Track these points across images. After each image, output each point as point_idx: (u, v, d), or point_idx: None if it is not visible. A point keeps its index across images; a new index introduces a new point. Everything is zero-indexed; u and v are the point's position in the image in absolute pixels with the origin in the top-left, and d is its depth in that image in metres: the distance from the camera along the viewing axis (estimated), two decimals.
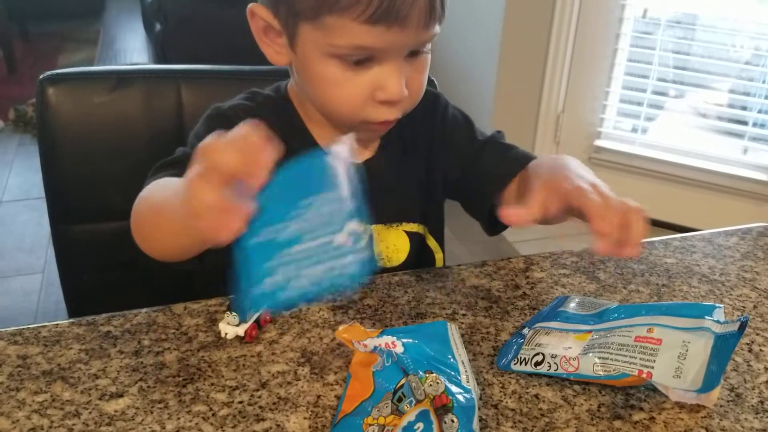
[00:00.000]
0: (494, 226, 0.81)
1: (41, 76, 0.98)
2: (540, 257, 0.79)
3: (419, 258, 0.84)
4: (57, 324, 0.67)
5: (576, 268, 0.78)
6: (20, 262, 2.33)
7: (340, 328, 0.62)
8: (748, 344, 0.67)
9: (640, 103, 2.55)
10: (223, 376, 0.61)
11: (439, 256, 0.88)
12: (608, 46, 2.50)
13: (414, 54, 0.71)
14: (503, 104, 2.70)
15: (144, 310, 0.69)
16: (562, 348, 0.61)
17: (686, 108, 2.55)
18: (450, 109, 0.87)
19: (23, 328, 0.66)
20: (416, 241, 0.84)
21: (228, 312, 0.64)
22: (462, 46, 2.93)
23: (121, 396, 0.59)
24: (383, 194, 0.81)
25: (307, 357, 0.63)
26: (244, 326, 0.64)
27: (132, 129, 0.99)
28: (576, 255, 0.80)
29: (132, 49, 4.33)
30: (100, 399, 0.58)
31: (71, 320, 0.67)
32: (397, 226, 0.83)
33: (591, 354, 0.59)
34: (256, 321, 0.66)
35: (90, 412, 0.57)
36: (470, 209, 0.86)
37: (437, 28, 0.70)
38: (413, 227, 0.84)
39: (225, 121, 0.81)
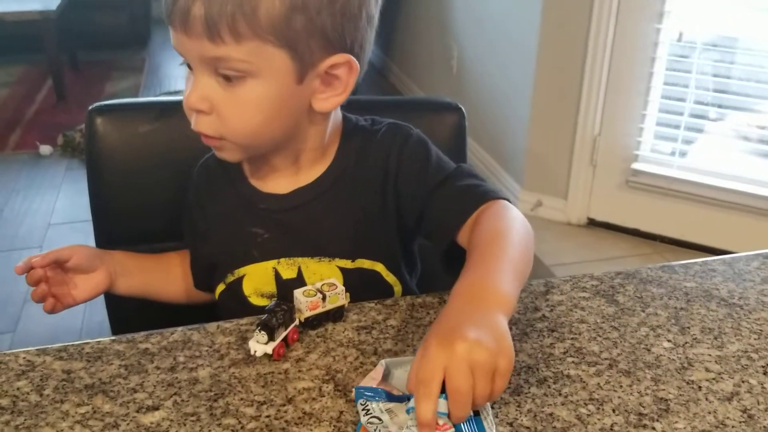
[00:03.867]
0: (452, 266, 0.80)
1: (90, 107, 1.05)
2: (560, 280, 0.81)
3: (376, 294, 0.82)
4: (99, 341, 0.71)
5: (596, 292, 0.80)
6: None
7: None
8: (763, 366, 0.68)
9: (677, 126, 2.54)
10: (251, 392, 0.64)
11: (397, 288, 0.87)
12: (644, 69, 2.51)
13: (227, 77, 0.72)
14: (539, 127, 2.71)
15: (180, 328, 0.73)
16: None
17: (725, 131, 2.53)
18: (410, 145, 0.85)
19: (68, 345, 0.71)
20: (365, 276, 0.84)
21: (257, 331, 0.68)
22: (497, 69, 2.96)
23: (157, 409, 0.62)
24: (312, 228, 0.84)
25: (331, 375, 0.66)
26: (272, 344, 0.67)
27: (174, 157, 1.04)
28: (596, 278, 0.82)
29: (176, 75, 4.46)
30: (137, 411, 0.62)
31: (112, 338, 0.72)
32: (330, 260, 0.84)
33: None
34: (284, 339, 0.69)
35: (128, 424, 0.61)
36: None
37: (229, 50, 0.69)
38: (350, 263, 0.84)
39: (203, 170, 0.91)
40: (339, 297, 0.73)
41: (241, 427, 0.60)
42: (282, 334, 0.68)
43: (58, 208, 2.92)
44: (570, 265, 2.54)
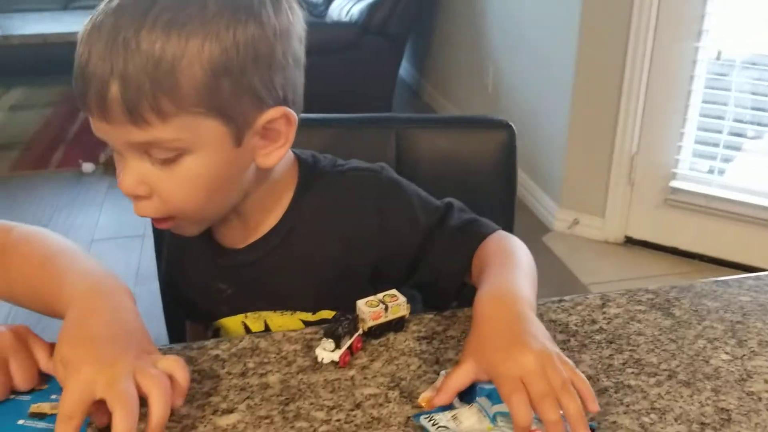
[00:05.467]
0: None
1: None
2: (616, 294, 0.83)
3: None
4: (171, 347, 0.74)
5: (652, 305, 0.81)
6: None
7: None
8: None
9: (716, 144, 2.53)
10: (320, 397, 0.67)
11: None
12: (682, 88, 2.51)
13: (160, 160, 0.68)
14: (576, 146, 2.72)
15: (247, 336, 0.76)
16: (477, 422, 0.61)
17: (764, 148, 2.51)
18: (387, 193, 0.82)
19: None
20: None
21: (324, 339, 0.70)
22: (533, 87, 2.98)
23: (231, 412, 0.65)
24: (269, 282, 0.82)
25: (396, 382, 0.69)
26: (339, 352, 0.70)
27: None
28: (651, 292, 0.83)
29: None
30: (213, 414, 0.65)
31: (184, 344, 0.75)
32: (291, 314, 0.84)
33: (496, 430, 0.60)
34: (349, 348, 0.71)
35: (205, 426, 0.64)
36: (430, 298, 0.85)
37: (156, 132, 0.65)
38: (311, 316, 0.83)
39: None
40: (400, 308, 0.75)
41: (314, 430, 0.63)
42: (347, 343, 0.71)
43: (101, 225, 2.99)
44: (607, 284, 2.53)
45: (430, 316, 0.79)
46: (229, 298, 0.85)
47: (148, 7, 0.64)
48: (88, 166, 3.44)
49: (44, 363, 0.67)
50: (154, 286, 1.08)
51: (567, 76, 2.67)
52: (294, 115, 0.73)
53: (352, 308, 0.74)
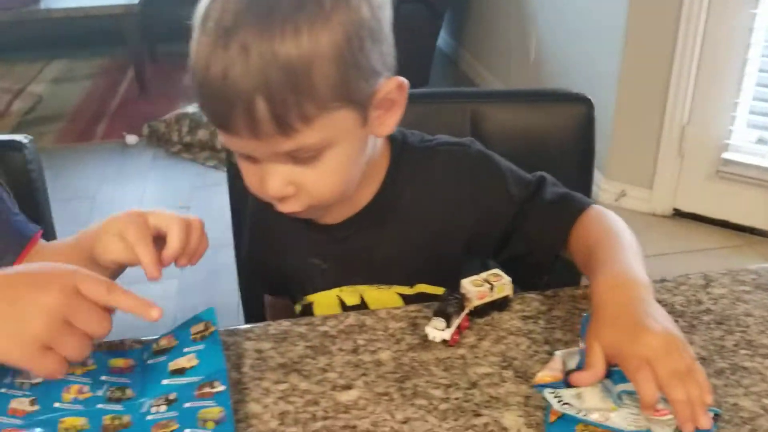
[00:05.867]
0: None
1: None
2: (718, 274, 0.82)
3: None
4: (281, 323, 0.76)
5: (756, 285, 0.80)
6: None
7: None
8: None
9: None
10: (435, 375, 0.68)
11: None
12: (737, 56, 2.44)
13: (303, 159, 0.70)
14: (624, 116, 2.67)
15: (352, 313, 0.77)
16: (600, 401, 0.62)
17: None
18: (479, 167, 0.83)
19: (254, 326, 0.75)
20: (426, 301, 0.81)
21: (434, 317, 0.71)
22: (580, 55, 2.93)
23: (350, 388, 0.66)
24: (366, 257, 0.83)
25: (508, 362, 0.69)
26: (449, 331, 0.70)
27: None
28: (753, 272, 0.82)
29: None
30: (332, 390, 0.66)
31: (292, 320, 0.76)
32: (388, 287, 0.85)
33: (622, 409, 0.60)
34: (457, 327, 0.72)
35: (326, 401, 0.65)
36: (526, 269, 0.85)
37: (303, 137, 0.67)
38: (408, 290, 0.84)
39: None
40: (505, 287, 0.75)
41: (434, 408, 0.64)
42: (456, 322, 0.71)
43: (147, 196, 3.02)
44: (655, 257, 2.51)
45: (533, 295, 0.79)
46: (323, 273, 0.86)
47: (268, 14, 0.64)
48: (131, 138, 3.47)
49: (104, 297, 0.61)
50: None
51: (616, 45, 2.61)
52: (406, 82, 0.74)
53: (452, 286, 0.74)
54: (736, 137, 2.56)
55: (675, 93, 2.56)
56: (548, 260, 0.82)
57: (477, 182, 0.82)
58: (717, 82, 2.51)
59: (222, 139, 0.71)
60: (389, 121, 0.76)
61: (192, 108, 3.47)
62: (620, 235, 0.75)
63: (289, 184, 0.71)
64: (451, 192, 0.82)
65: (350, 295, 0.86)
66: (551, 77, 3.17)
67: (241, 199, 1.13)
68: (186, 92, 4.08)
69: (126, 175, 3.22)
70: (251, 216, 0.94)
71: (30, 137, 1.12)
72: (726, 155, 2.57)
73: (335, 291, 0.87)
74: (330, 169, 0.72)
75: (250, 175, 0.75)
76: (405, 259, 0.84)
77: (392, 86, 0.73)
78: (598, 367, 0.61)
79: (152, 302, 0.62)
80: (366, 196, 0.82)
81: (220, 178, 3.10)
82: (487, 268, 0.83)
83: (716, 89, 2.52)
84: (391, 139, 0.83)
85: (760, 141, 2.53)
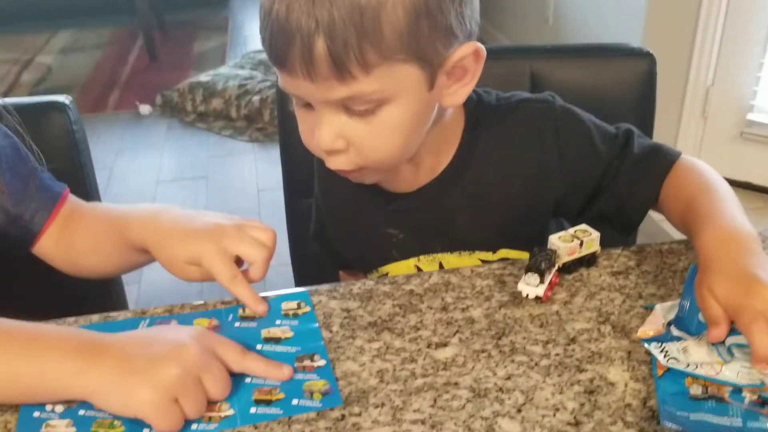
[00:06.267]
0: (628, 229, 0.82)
1: None
2: None
3: None
4: (365, 282, 0.74)
5: None
6: None
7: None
8: None
9: None
10: (531, 331, 0.66)
11: None
12: (764, 16, 2.41)
13: (358, 111, 0.66)
14: None
15: (436, 272, 0.75)
16: (706, 355, 0.61)
17: None
18: (564, 125, 0.79)
19: (335, 286, 0.74)
20: None
21: (527, 273, 0.69)
22: (600, 17, 2.88)
23: (445, 345, 0.65)
24: (446, 224, 0.80)
25: (605, 317, 0.68)
26: (542, 287, 0.69)
27: None
28: None
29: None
30: (428, 347, 0.65)
31: (376, 279, 0.75)
32: (470, 254, 0.83)
33: (734, 363, 0.59)
34: (549, 283, 0.70)
35: (424, 359, 0.64)
36: (612, 226, 0.82)
37: (360, 85, 0.63)
38: (491, 255, 0.82)
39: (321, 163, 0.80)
40: (594, 243, 0.74)
41: (535, 364, 0.62)
42: (549, 278, 0.70)
43: (164, 167, 3.00)
44: None
45: (619, 251, 0.77)
46: (399, 243, 0.84)
47: None
48: (145, 108, 3.43)
49: (238, 363, 0.62)
50: None
51: (639, 6, 2.57)
52: (483, 50, 0.70)
53: (533, 245, 0.72)
54: (761, 98, 2.53)
55: (699, 54, 2.53)
56: (640, 217, 0.80)
57: (563, 140, 0.79)
58: (742, 42, 2.47)
59: (279, 80, 0.68)
60: (460, 91, 0.71)
61: (205, 76, 3.43)
62: (717, 187, 0.73)
63: (339, 137, 0.68)
64: (535, 152, 0.79)
65: (428, 263, 0.84)
66: (570, 42, 3.12)
67: (294, 170, 1.12)
68: (197, 60, 4.04)
69: (141, 145, 3.20)
70: (321, 190, 0.91)
71: (71, 98, 1.10)
72: (751, 116, 2.54)
73: (412, 260, 0.84)
74: (385, 128, 0.68)
75: (304, 124, 0.72)
76: (486, 225, 0.81)
77: (468, 52, 0.68)
78: (721, 320, 0.59)
79: (282, 365, 0.63)
80: (442, 161, 0.80)
81: (238, 147, 3.11)
82: (563, 228, 0.81)
83: (741, 50, 2.48)
84: (466, 100, 0.80)
85: None
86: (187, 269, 0.71)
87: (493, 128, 0.79)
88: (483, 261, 0.82)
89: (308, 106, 0.69)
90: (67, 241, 0.82)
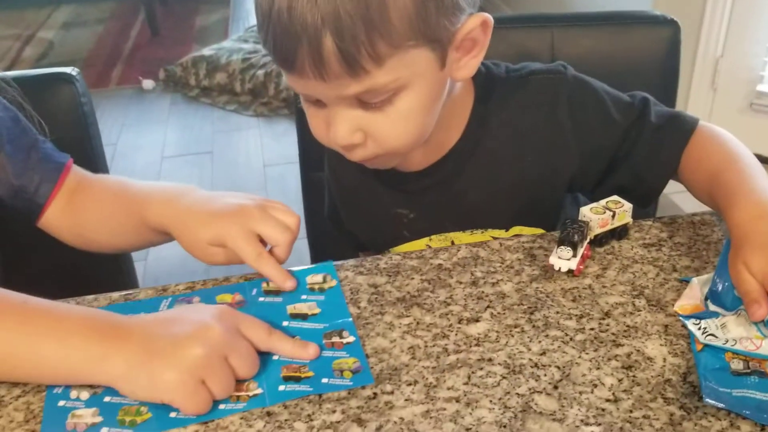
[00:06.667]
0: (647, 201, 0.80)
1: None
2: None
3: None
4: (391, 257, 0.72)
5: None
6: None
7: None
8: None
9: None
10: (564, 306, 0.65)
11: None
12: None
13: (373, 104, 0.64)
14: None
15: (464, 245, 0.74)
16: (744, 330, 0.59)
17: None
18: (576, 95, 0.77)
19: (361, 260, 0.72)
20: None
21: (559, 246, 0.68)
22: None
23: (477, 321, 0.64)
24: (457, 202, 0.78)
25: (639, 290, 0.66)
26: (575, 260, 0.67)
27: None
28: None
29: None
30: (459, 323, 0.63)
31: (402, 254, 0.73)
32: (482, 232, 0.81)
33: None
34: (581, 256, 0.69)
35: (456, 334, 0.62)
36: (631, 198, 0.79)
37: (373, 79, 0.61)
38: (504, 233, 0.80)
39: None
40: (626, 214, 0.72)
41: (570, 339, 0.61)
42: (581, 251, 0.68)
43: (169, 142, 2.97)
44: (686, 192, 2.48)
45: (650, 222, 0.76)
46: (411, 222, 0.82)
47: None
48: (148, 83, 3.39)
49: (264, 342, 0.60)
50: None
51: None
52: (491, 20, 0.67)
53: (547, 221, 0.70)
54: None
55: (709, 26, 2.49)
56: (660, 187, 0.78)
57: (577, 112, 0.76)
58: (752, 13, 2.43)
59: (286, 80, 0.65)
60: (471, 63, 0.69)
61: (208, 50, 3.38)
62: (743, 158, 0.71)
63: (357, 131, 0.66)
64: (548, 125, 0.77)
65: (440, 242, 0.82)
66: (573, 9, 3.07)
67: (310, 143, 1.09)
68: (199, 34, 3.99)
69: (146, 120, 3.17)
70: (331, 172, 0.89)
71: (77, 70, 1.08)
72: (761, 87, 2.51)
73: (424, 240, 0.83)
74: (402, 115, 0.66)
75: (316, 120, 0.69)
76: (499, 202, 0.79)
77: (476, 24, 0.66)
78: (758, 295, 0.57)
79: (308, 344, 0.61)
80: (451, 138, 0.77)
81: (243, 122, 3.08)
82: (577, 203, 0.79)
83: (751, 21, 2.45)
84: (475, 74, 0.77)
85: None
86: (210, 251, 0.69)
87: (503, 102, 0.77)
88: (495, 239, 0.80)
89: (319, 102, 0.67)
90: (75, 213, 0.80)
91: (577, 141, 0.77)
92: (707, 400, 0.53)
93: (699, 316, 0.61)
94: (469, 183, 0.79)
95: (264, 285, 0.69)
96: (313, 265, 0.71)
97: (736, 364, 0.57)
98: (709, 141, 0.75)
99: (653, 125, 0.77)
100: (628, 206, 0.72)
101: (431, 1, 0.60)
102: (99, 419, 0.56)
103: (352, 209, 0.88)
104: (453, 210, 0.80)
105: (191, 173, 2.74)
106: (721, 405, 0.53)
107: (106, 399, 0.57)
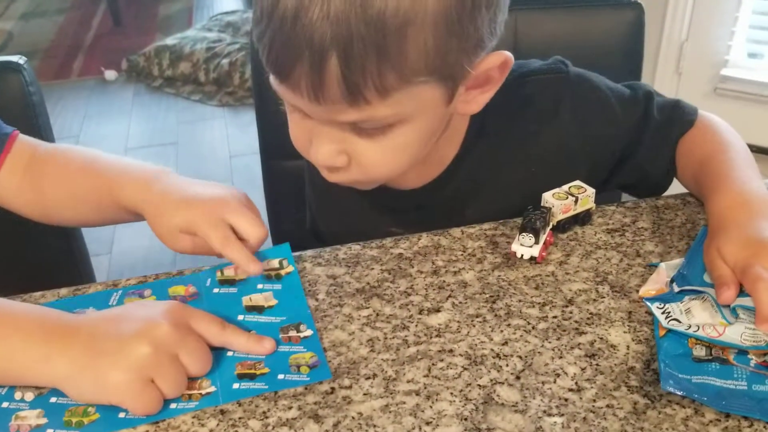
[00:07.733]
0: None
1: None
2: None
3: None
4: (351, 247, 0.70)
5: None
6: None
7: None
8: None
9: None
10: (527, 294, 0.63)
11: None
12: None
13: (366, 131, 0.59)
14: None
15: (425, 234, 0.72)
16: (709, 316, 0.58)
17: None
18: (580, 96, 0.73)
19: (320, 251, 0.70)
20: None
21: (521, 234, 0.66)
22: None
23: (438, 311, 0.62)
24: (455, 220, 0.74)
25: (602, 276, 0.65)
26: (537, 247, 0.66)
27: None
28: None
29: None
30: (420, 314, 0.62)
31: (362, 243, 0.71)
32: None
33: (738, 324, 0.56)
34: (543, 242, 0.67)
35: (416, 325, 0.60)
36: (640, 195, 0.79)
37: (373, 110, 0.55)
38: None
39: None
40: (589, 199, 0.71)
41: (532, 327, 0.60)
42: (543, 237, 0.67)
43: (132, 133, 2.92)
44: None
45: (613, 207, 0.75)
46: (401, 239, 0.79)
47: None
48: (110, 74, 3.32)
49: (217, 337, 0.58)
50: None
51: None
52: (511, 59, 0.61)
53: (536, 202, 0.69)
54: (735, 53, 2.51)
55: (674, 10, 2.50)
56: (664, 183, 0.77)
57: (581, 115, 0.72)
58: None
59: (273, 84, 0.58)
60: (479, 99, 0.63)
61: (171, 40, 3.32)
62: (733, 147, 0.71)
63: (341, 154, 0.61)
64: (553, 130, 0.72)
65: None
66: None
67: (270, 133, 1.06)
68: (162, 23, 3.91)
69: (108, 112, 3.10)
70: (313, 186, 0.84)
71: (25, 58, 1.04)
72: (725, 72, 2.53)
73: None
74: (394, 147, 0.60)
75: (299, 130, 0.63)
76: (500, 213, 0.74)
77: (495, 63, 0.60)
78: (729, 280, 0.57)
79: (264, 338, 0.59)
80: (448, 154, 0.73)
81: (207, 112, 3.03)
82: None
83: (715, 4, 2.46)
84: None
85: (752, 56, 2.49)
86: (179, 238, 0.66)
87: (502, 107, 0.69)
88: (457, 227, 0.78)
89: (301, 113, 0.61)
90: (35, 187, 0.75)
91: (584, 146, 0.74)
92: (665, 386, 0.52)
93: (663, 299, 0.60)
94: (466, 202, 0.76)
95: (218, 273, 0.66)
96: (269, 248, 0.68)
97: (699, 351, 0.56)
98: (704, 130, 0.75)
99: (657, 122, 0.75)
100: (590, 191, 0.70)
101: (454, 38, 0.54)
102: (44, 421, 0.53)
103: (336, 229, 0.83)
104: (449, 223, 0.75)
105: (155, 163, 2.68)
106: (679, 392, 0.52)
107: (52, 400, 0.55)
